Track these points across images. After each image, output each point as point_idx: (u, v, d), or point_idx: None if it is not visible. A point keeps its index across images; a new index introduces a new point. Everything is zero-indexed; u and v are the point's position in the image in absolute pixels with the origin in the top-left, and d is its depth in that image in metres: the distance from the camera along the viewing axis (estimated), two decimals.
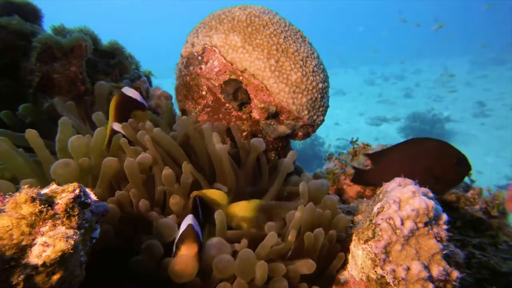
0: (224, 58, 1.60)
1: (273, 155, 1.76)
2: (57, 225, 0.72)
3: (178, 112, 1.92)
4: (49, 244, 0.68)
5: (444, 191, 1.67)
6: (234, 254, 1.04)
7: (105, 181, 1.23)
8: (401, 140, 2.22)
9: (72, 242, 0.70)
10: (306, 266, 1.07)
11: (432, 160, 1.58)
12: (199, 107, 1.74)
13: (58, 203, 0.74)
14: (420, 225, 1.04)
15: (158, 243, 1.05)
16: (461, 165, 1.56)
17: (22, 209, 0.69)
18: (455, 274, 1.03)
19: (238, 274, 1.00)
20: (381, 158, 1.73)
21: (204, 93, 1.71)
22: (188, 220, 1.00)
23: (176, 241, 0.97)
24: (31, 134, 1.27)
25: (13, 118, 1.62)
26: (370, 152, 1.92)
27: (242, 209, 1.27)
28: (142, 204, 1.15)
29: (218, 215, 1.12)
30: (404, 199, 1.09)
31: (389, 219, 1.06)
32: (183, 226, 0.99)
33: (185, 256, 0.92)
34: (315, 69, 1.66)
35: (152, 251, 1.03)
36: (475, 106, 12.96)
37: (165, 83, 2.55)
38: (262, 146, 1.49)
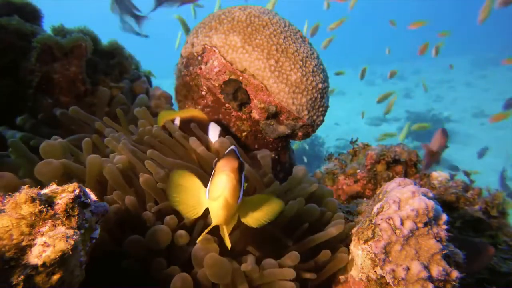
0: (224, 58, 1.60)
1: (273, 155, 1.76)
2: (57, 225, 0.72)
3: None
4: (49, 244, 0.68)
5: None
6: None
7: (92, 180, 1.22)
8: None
9: (72, 242, 0.70)
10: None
11: None
12: (199, 107, 1.74)
13: (58, 203, 0.74)
14: (419, 225, 1.04)
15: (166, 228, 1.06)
16: None
17: (22, 209, 0.69)
18: (455, 274, 1.03)
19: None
20: None
21: (204, 93, 1.71)
22: (232, 148, 1.00)
23: (215, 160, 0.93)
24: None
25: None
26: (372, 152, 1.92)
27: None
28: (128, 201, 1.14)
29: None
30: (404, 199, 1.09)
31: (389, 219, 1.06)
32: (226, 152, 0.98)
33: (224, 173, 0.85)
34: (315, 69, 1.66)
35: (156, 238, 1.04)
36: (474, 106, 12.97)
37: (165, 83, 2.54)
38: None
